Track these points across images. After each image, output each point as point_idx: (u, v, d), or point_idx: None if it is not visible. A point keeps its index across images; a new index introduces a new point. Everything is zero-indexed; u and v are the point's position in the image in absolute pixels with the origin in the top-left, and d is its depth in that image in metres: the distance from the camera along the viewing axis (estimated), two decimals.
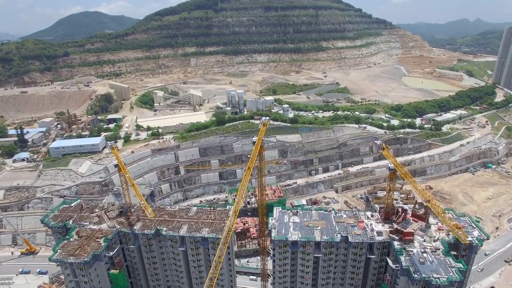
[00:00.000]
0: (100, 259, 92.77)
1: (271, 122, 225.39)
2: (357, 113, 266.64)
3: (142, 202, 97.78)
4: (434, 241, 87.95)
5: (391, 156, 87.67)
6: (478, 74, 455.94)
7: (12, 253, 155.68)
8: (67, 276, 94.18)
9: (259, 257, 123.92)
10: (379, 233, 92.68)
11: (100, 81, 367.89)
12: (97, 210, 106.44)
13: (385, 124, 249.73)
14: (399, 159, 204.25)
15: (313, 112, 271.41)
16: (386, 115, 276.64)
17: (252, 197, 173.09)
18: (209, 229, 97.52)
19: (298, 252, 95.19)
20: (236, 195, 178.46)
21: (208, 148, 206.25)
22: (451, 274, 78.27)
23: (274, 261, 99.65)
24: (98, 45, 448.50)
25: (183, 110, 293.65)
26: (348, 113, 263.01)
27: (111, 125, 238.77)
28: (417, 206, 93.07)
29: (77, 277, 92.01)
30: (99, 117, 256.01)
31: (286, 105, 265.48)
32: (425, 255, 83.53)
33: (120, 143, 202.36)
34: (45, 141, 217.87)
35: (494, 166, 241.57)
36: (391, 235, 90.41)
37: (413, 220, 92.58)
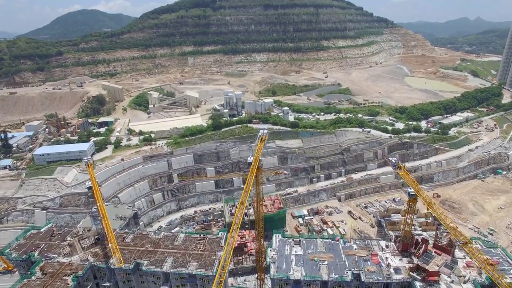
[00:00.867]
0: None
1: (271, 126, 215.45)
2: (360, 115, 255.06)
3: (110, 245, 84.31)
4: (464, 282, 73.02)
5: (410, 178, 73.32)
6: (482, 74, 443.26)
7: None
8: None
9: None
10: (397, 270, 79.00)
11: (94, 81, 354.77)
12: (69, 238, 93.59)
13: (389, 128, 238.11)
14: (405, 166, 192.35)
15: (314, 114, 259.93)
16: (390, 118, 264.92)
17: (250, 208, 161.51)
18: (198, 263, 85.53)
19: None
20: (232, 206, 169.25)
21: (203, 155, 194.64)
22: None
23: None
24: (93, 44, 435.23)
25: (179, 112, 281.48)
26: (351, 115, 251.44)
27: (102, 129, 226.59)
28: (439, 235, 79.14)
29: None
30: (90, 120, 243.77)
31: (286, 108, 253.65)
32: None
33: (110, 149, 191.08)
34: (31, 146, 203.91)
35: (504, 172, 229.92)
36: (411, 273, 76.40)
37: (435, 252, 78.41)
